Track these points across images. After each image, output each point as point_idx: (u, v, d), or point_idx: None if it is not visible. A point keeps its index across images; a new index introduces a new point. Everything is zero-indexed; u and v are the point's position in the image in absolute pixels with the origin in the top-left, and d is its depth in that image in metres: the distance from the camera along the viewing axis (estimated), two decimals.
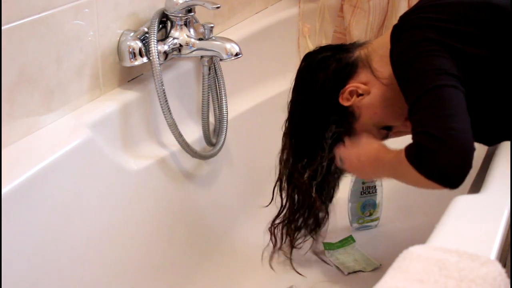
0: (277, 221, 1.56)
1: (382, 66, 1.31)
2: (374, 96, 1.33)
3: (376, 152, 1.26)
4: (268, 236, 1.58)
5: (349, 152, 1.33)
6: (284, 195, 1.53)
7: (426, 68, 1.13)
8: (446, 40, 1.17)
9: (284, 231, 1.55)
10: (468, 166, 1.04)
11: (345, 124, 1.37)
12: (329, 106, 1.37)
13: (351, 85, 1.34)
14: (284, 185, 1.52)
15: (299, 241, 1.58)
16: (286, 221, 1.54)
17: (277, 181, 1.54)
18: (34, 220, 1.20)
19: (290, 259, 1.57)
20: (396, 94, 1.29)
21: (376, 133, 1.36)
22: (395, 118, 1.34)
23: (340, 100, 1.36)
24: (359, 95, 1.34)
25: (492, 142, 1.29)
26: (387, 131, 1.37)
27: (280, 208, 1.55)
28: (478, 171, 1.30)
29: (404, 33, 1.21)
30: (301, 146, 1.45)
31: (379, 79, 1.31)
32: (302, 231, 1.56)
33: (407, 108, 1.31)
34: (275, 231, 1.56)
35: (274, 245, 1.58)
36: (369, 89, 1.33)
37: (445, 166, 1.04)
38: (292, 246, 1.57)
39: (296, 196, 1.51)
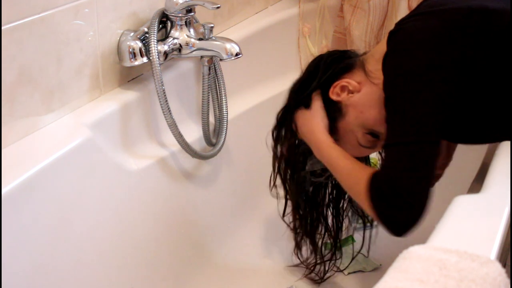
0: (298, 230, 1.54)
1: (376, 69, 1.31)
2: (363, 95, 1.33)
3: (322, 138, 1.34)
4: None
5: (302, 115, 1.38)
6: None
7: (413, 110, 1.15)
8: (442, 50, 1.17)
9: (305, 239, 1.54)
10: (413, 228, 1.13)
11: (330, 120, 1.36)
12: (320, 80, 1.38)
13: (343, 80, 1.34)
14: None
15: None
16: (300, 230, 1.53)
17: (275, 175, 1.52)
18: (34, 220, 1.20)
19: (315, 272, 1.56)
20: None
21: (361, 136, 1.34)
22: (381, 121, 1.32)
23: (330, 94, 1.36)
24: (349, 92, 1.34)
25: (492, 141, 1.29)
26: (373, 138, 1.34)
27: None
28: (478, 171, 1.30)
29: (399, 49, 1.21)
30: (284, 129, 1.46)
31: (371, 79, 1.31)
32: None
33: None
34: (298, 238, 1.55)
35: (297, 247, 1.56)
36: (360, 88, 1.33)
37: (394, 221, 1.14)
38: (317, 254, 1.55)
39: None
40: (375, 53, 1.34)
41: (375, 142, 1.34)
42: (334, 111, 1.36)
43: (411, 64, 1.18)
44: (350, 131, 1.35)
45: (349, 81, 1.34)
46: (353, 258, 1.60)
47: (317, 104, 1.37)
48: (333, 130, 1.37)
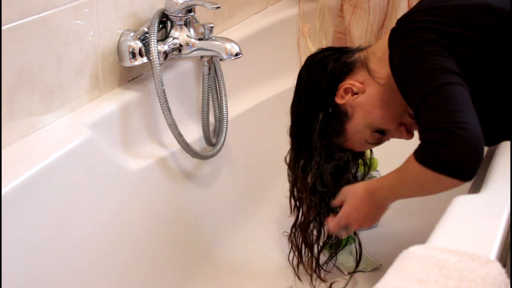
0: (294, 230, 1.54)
1: (380, 67, 1.31)
2: (369, 96, 1.32)
3: (364, 191, 1.26)
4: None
5: (345, 212, 1.30)
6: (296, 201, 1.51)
7: (428, 68, 1.13)
8: (445, 41, 1.17)
9: (301, 239, 1.53)
10: (480, 158, 1.05)
11: (337, 124, 1.36)
12: (324, 105, 1.37)
13: (347, 82, 1.34)
14: (295, 192, 1.50)
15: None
16: (300, 229, 1.52)
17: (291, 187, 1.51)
18: (34, 220, 1.20)
19: (315, 272, 1.54)
20: (392, 96, 1.29)
21: (369, 135, 1.34)
22: (389, 120, 1.33)
23: (335, 98, 1.35)
24: (354, 93, 1.33)
25: (492, 142, 1.29)
26: (380, 135, 1.35)
27: (297, 216, 1.52)
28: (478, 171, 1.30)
29: (403, 36, 1.21)
30: (299, 146, 1.44)
31: (375, 79, 1.31)
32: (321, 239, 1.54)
33: (402, 112, 1.31)
34: (294, 240, 1.54)
35: (298, 255, 1.55)
36: (365, 88, 1.32)
37: (458, 158, 1.04)
38: (314, 258, 1.53)
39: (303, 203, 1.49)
40: (376, 51, 1.33)
41: (381, 138, 1.35)
42: (340, 114, 1.35)
43: (416, 40, 1.17)
44: (358, 131, 1.35)
45: (352, 82, 1.33)
46: (357, 264, 1.59)
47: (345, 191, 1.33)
48: (341, 132, 1.36)
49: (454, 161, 1.04)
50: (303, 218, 1.51)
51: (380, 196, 1.24)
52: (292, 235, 1.54)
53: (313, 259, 1.53)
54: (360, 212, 1.28)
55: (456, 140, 1.04)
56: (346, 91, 1.34)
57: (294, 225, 1.54)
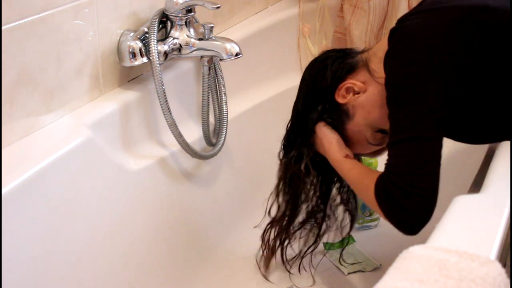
0: (270, 227, 1.55)
1: (380, 67, 1.31)
2: (370, 95, 1.32)
3: (329, 143, 1.36)
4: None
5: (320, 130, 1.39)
6: (281, 198, 1.51)
7: (415, 107, 1.15)
8: (442, 49, 1.17)
9: (277, 240, 1.55)
10: (423, 225, 1.13)
11: (338, 123, 1.37)
12: (325, 101, 1.37)
13: (348, 82, 1.34)
14: (282, 186, 1.50)
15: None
16: (280, 228, 1.53)
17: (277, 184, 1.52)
18: (34, 220, 1.20)
19: (289, 272, 1.57)
20: None
21: (370, 136, 1.35)
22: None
23: (336, 97, 1.35)
24: (355, 93, 1.33)
25: (492, 140, 1.29)
26: (382, 135, 1.35)
27: (276, 213, 1.53)
28: (478, 171, 1.30)
29: (399, 47, 1.21)
30: (293, 140, 1.45)
31: (376, 79, 1.31)
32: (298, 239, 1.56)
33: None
34: (268, 238, 1.56)
35: (267, 255, 1.58)
36: (366, 88, 1.32)
37: (405, 220, 1.13)
38: (283, 259, 1.57)
39: (291, 197, 1.50)
40: (377, 51, 1.33)
41: (384, 139, 1.35)
42: (341, 113, 1.35)
43: (411, 62, 1.18)
44: (359, 131, 1.35)
45: (354, 82, 1.33)
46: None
47: (321, 127, 1.39)
48: (342, 132, 1.37)
49: (400, 219, 1.14)
50: (286, 215, 1.51)
51: (338, 169, 1.36)
52: (266, 232, 1.56)
53: (282, 255, 1.56)
54: (321, 149, 1.40)
55: (408, 204, 1.12)
56: (348, 90, 1.34)
57: (271, 222, 1.55)
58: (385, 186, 1.15)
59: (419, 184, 1.11)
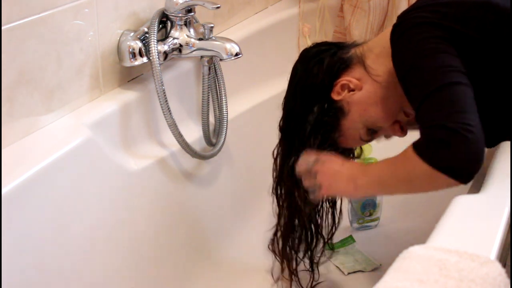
0: (275, 237, 1.50)
1: (377, 64, 1.30)
2: (365, 93, 1.31)
3: (348, 171, 1.23)
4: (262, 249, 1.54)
5: (323, 171, 1.27)
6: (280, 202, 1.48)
7: (432, 66, 1.12)
8: (448, 36, 1.16)
9: (281, 250, 1.49)
10: (481, 162, 1.05)
11: (332, 120, 1.35)
12: (320, 100, 1.35)
13: (344, 79, 1.33)
14: (278, 190, 1.47)
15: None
16: (282, 237, 1.48)
17: (274, 185, 1.48)
18: (34, 220, 1.20)
19: (291, 283, 1.51)
20: (388, 94, 1.29)
21: (363, 133, 1.34)
22: (384, 118, 1.32)
23: (331, 94, 1.34)
24: (350, 90, 1.33)
25: (491, 144, 1.29)
26: (374, 132, 1.34)
27: (277, 220, 1.49)
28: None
29: (405, 32, 1.20)
30: (290, 142, 1.40)
31: (372, 76, 1.30)
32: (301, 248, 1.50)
33: (398, 110, 1.31)
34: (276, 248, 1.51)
35: (282, 264, 1.51)
36: (361, 85, 1.32)
37: (460, 159, 1.04)
38: (291, 271, 1.49)
39: (288, 203, 1.45)
40: (373, 47, 1.33)
41: (375, 135, 1.35)
42: (336, 110, 1.34)
43: (419, 36, 1.16)
44: (353, 128, 1.34)
45: (349, 79, 1.32)
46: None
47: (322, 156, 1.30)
48: (336, 128, 1.36)
49: (455, 161, 1.04)
50: (284, 224, 1.47)
51: (362, 184, 1.21)
52: (274, 244, 1.50)
53: (293, 268, 1.49)
54: (336, 181, 1.25)
55: (460, 140, 1.03)
56: (343, 87, 1.33)
57: (275, 233, 1.50)
58: (428, 138, 1.06)
59: (463, 119, 1.04)
